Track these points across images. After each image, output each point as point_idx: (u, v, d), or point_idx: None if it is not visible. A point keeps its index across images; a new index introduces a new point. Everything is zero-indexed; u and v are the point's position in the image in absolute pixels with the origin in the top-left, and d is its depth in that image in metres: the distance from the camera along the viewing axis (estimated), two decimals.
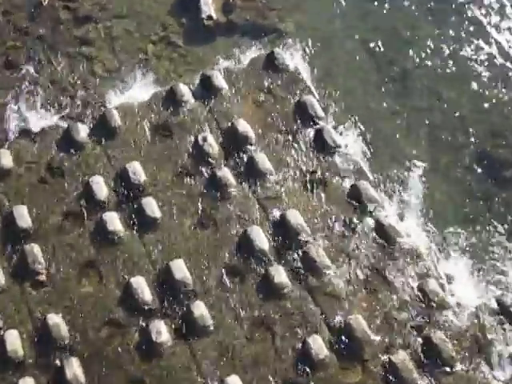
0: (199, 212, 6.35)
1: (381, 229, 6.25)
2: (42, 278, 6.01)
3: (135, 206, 6.38)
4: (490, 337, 5.80)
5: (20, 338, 5.71)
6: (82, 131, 6.83)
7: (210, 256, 6.12)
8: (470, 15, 8.21)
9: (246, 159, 6.64)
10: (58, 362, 5.64)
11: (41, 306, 5.90)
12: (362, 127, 7.17)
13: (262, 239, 6.15)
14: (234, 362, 5.64)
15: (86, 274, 6.06)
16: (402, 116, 7.40)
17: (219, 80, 7.13)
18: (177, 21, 8.04)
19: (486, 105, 7.53)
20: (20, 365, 5.63)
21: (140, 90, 7.28)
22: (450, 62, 7.83)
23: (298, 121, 6.91)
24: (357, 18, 8.19)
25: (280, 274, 5.96)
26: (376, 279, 6.01)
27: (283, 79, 7.21)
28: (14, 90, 7.30)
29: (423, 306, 5.89)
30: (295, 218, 6.24)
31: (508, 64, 7.82)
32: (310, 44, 7.80)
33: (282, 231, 6.22)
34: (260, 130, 6.84)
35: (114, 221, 6.24)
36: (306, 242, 6.16)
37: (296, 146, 6.76)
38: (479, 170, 7.09)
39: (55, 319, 5.78)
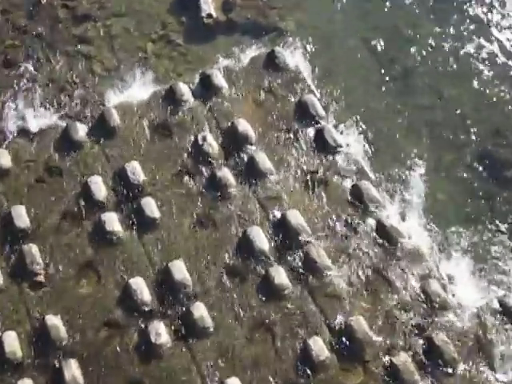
0: (199, 212, 6.34)
1: (382, 229, 6.24)
2: (41, 278, 6.00)
3: (134, 206, 6.36)
4: (492, 338, 5.78)
5: (18, 339, 5.70)
6: (81, 130, 6.82)
7: (210, 256, 6.11)
8: (471, 13, 8.17)
9: (246, 159, 6.63)
10: (56, 363, 5.62)
11: (39, 307, 5.88)
12: (363, 126, 7.14)
13: (262, 239, 6.14)
14: (234, 363, 5.63)
15: (85, 275, 6.04)
16: (404, 115, 7.37)
17: (219, 79, 7.12)
18: (176, 19, 8.02)
19: (488, 103, 7.50)
20: (18, 366, 5.62)
21: (139, 89, 7.25)
22: (452, 61, 7.81)
23: (299, 120, 6.90)
24: (358, 16, 8.17)
25: (280, 275, 5.95)
26: (377, 280, 6.00)
27: (284, 78, 7.20)
28: (12, 88, 7.28)
29: (425, 306, 5.88)
30: (296, 218, 6.23)
31: (510, 62, 7.79)
32: (310, 43, 7.77)
33: (283, 231, 6.21)
34: (260, 130, 6.83)
35: (112, 221, 6.23)
36: (307, 242, 6.14)
37: (297, 145, 6.75)
38: (481, 169, 7.06)
39: (54, 320, 5.77)
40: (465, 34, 8.00)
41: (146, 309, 5.84)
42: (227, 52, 7.59)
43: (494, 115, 7.42)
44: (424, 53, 7.85)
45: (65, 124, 6.91)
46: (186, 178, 6.54)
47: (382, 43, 7.91)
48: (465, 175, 7.02)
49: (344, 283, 5.96)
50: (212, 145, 6.69)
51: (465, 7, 8.22)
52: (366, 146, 6.98)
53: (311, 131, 6.82)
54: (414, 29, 8.04)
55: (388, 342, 5.71)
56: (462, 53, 7.85)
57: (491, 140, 7.24)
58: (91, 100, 7.20)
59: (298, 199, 6.41)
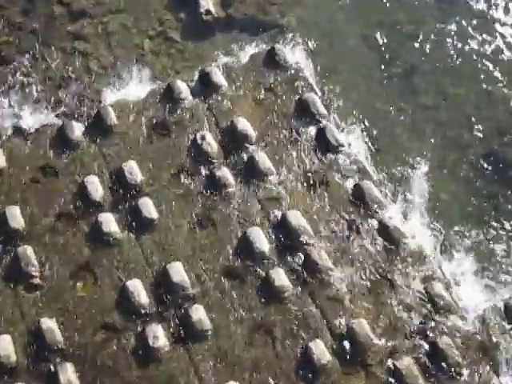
0: (197, 212, 6.30)
1: (385, 230, 6.21)
2: (36, 281, 5.94)
3: (131, 206, 6.32)
4: (496, 341, 5.74)
5: (13, 343, 5.64)
6: (77, 129, 6.78)
7: (209, 258, 6.07)
8: (474, 9, 8.18)
9: (245, 158, 6.60)
10: (51, 367, 5.57)
11: (34, 310, 5.83)
12: (365, 125, 7.13)
13: (262, 241, 6.10)
14: (233, 366, 5.59)
15: (81, 277, 5.99)
16: (407, 113, 7.37)
17: (218, 77, 7.10)
18: (174, 15, 8.00)
19: (493, 101, 7.48)
20: (13, 370, 5.56)
21: (136, 86, 7.22)
22: (456, 58, 7.80)
23: (300, 119, 6.87)
24: (360, 12, 8.16)
25: (281, 277, 5.91)
26: (380, 282, 5.96)
27: (284, 76, 7.17)
28: (6, 86, 7.25)
29: (428, 309, 5.84)
30: (296, 218, 6.19)
31: None
32: (311, 40, 7.76)
33: (283, 232, 6.17)
34: (260, 129, 6.80)
35: (109, 222, 6.19)
36: (308, 243, 6.10)
37: (297, 144, 6.72)
38: (485, 169, 7.06)
39: (49, 323, 5.71)
40: (469, 30, 8.00)
41: (144, 311, 5.79)
42: (226, 49, 7.57)
43: (498, 114, 7.40)
44: (427, 50, 7.84)
45: (61, 122, 6.87)
46: (185, 177, 6.51)
47: (385, 40, 7.91)
48: (469, 174, 7.00)
49: (346, 285, 5.93)
50: (211, 144, 6.65)
51: (468, 3, 8.23)
52: (369, 145, 6.96)
53: (312, 130, 6.80)
54: (417, 25, 8.04)
55: (391, 345, 5.67)
56: (465, 50, 7.85)
57: (496, 139, 7.23)
58: (87, 98, 7.18)
59: (298, 199, 6.38)
